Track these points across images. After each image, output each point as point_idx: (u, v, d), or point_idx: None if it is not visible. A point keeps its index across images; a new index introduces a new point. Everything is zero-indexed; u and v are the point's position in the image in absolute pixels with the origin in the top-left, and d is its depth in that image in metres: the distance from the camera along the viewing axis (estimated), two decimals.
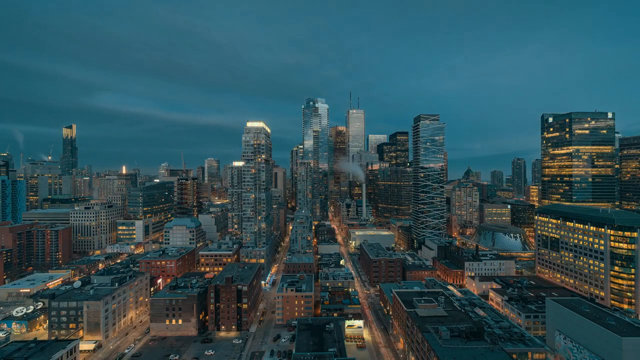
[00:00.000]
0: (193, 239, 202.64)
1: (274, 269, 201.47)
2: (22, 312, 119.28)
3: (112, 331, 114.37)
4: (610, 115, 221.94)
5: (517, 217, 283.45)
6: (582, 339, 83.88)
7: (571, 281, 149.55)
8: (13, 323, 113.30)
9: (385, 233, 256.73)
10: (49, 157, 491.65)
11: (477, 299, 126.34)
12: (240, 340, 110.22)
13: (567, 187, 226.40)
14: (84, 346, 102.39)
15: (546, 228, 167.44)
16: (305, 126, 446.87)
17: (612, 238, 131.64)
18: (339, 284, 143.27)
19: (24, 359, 78.15)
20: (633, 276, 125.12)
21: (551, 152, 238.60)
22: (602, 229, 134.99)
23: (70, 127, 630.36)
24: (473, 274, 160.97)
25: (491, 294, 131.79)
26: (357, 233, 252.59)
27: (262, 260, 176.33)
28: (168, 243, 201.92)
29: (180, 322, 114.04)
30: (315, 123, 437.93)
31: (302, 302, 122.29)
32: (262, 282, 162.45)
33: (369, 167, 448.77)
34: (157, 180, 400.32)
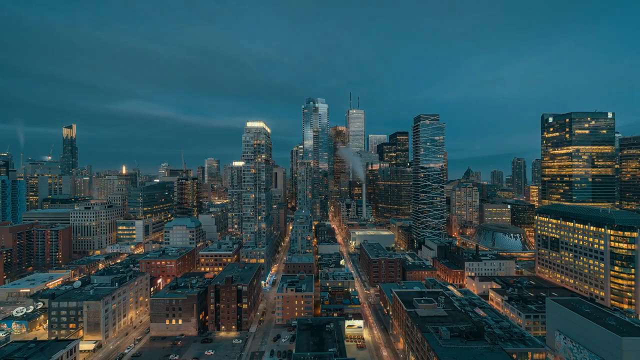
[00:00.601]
0: (193, 239, 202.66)
1: (274, 269, 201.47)
2: (22, 312, 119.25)
3: (112, 331, 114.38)
4: (610, 115, 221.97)
5: (517, 217, 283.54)
6: (582, 339, 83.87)
7: (571, 281, 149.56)
8: (13, 323, 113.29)
9: (385, 233, 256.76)
10: (49, 157, 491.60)
11: (477, 299, 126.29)
12: (240, 340, 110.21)
13: (567, 187, 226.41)
14: (84, 346, 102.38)
15: (546, 228, 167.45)
16: (305, 126, 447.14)
17: (612, 238, 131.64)
18: (339, 284, 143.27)
19: (24, 359, 78.16)
20: (633, 276, 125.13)
21: (551, 152, 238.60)
22: (602, 229, 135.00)
23: (70, 127, 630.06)
24: (473, 274, 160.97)
25: (491, 294, 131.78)
26: (357, 233, 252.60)
27: (262, 260, 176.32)
28: (168, 243, 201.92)
29: (180, 322, 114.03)
30: (315, 123, 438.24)
31: (302, 302, 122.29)
32: (262, 282, 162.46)
33: (369, 167, 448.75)
34: (157, 180, 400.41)
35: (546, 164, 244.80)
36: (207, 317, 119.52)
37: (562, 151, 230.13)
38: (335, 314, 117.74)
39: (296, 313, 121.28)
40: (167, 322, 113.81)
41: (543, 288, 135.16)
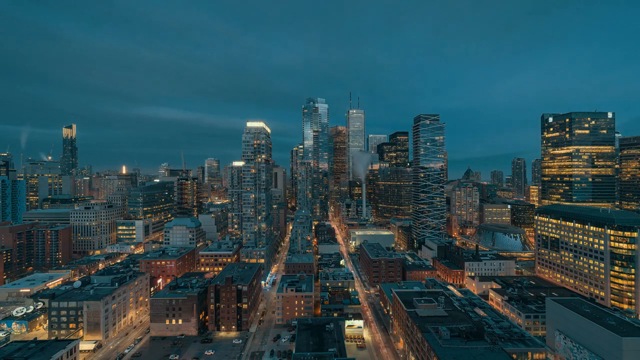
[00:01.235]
0: (193, 239, 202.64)
1: (274, 269, 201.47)
2: (22, 312, 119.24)
3: (112, 331, 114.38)
4: (610, 115, 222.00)
5: (517, 217, 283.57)
6: (582, 339, 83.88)
7: (571, 281, 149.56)
8: (13, 323, 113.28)
9: (385, 233, 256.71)
10: (49, 157, 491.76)
11: (477, 299, 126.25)
12: (240, 340, 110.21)
13: (567, 187, 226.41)
14: (84, 346, 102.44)
15: (546, 228, 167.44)
16: (305, 126, 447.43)
17: (612, 238, 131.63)
18: (339, 284, 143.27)
19: (24, 359, 78.15)
20: (633, 276, 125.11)
21: (551, 152, 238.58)
22: (602, 229, 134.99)
23: (70, 127, 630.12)
24: (473, 274, 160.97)
25: (491, 294, 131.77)
26: (357, 233, 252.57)
27: (262, 260, 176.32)
28: (168, 243, 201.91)
29: (180, 322, 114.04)
30: (315, 123, 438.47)
31: (302, 302, 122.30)
32: (262, 282, 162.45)
33: (369, 167, 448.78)
34: (157, 180, 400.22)
35: (546, 164, 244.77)
36: (207, 317, 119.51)
37: (562, 151, 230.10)
38: (335, 314, 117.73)
39: (296, 313, 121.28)
40: (167, 322, 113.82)
41: (543, 288, 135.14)
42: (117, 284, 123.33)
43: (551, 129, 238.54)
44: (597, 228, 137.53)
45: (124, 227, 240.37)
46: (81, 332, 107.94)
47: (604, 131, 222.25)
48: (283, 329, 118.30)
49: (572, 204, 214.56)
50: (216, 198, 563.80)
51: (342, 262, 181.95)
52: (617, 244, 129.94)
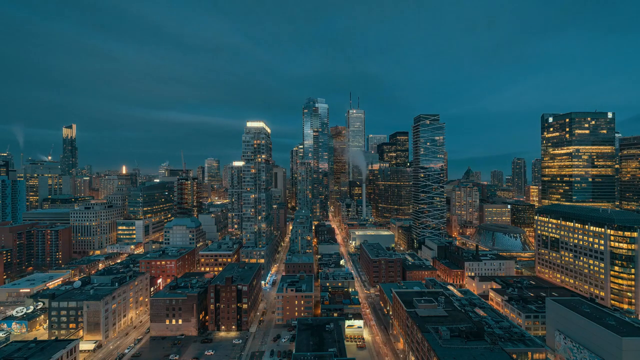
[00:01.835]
0: (193, 239, 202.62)
1: (274, 269, 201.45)
2: (22, 312, 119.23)
3: (112, 331, 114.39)
4: (610, 115, 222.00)
5: (517, 217, 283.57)
6: (582, 339, 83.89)
7: (571, 281, 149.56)
8: (13, 323, 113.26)
9: (385, 233, 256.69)
10: (49, 157, 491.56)
11: (477, 299, 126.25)
12: (240, 340, 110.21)
13: (567, 187, 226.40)
14: (84, 346, 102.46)
15: (546, 228, 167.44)
16: (305, 126, 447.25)
17: (612, 238, 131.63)
18: (339, 284, 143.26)
19: (24, 359, 78.15)
20: (633, 276, 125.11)
21: (551, 152, 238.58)
22: (602, 229, 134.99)
23: (70, 127, 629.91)
24: (473, 274, 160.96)
25: (491, 294, 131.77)
26: (357, 233, 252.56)
27: (262, 260, 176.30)
28: (168, 243, 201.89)
29: (180, 322, 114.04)
30: (315, 123, 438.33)
31: (302, 302, 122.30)
32: (262, 282, 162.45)
33: (369, 167, 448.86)
34: (157, 180, 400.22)
35: (546, 164, 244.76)
36: (207, 317, 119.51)
37: (562, 151, 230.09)
38: (335, 314, 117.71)
39: (296, 313, 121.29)
40: (167, 322, 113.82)
41: (543, 288, 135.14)
42: (117, 284, 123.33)
43: (551, 129, 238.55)
44: (597, 228, 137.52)
45: (124, 227, 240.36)
46: (81, 332, 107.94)
47: (604, 131, 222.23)
48: (283, 329, 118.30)
49: (572, 204, 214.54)
50: (216, 198, 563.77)
51: (342, 262, 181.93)
52: (617, 244, 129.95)
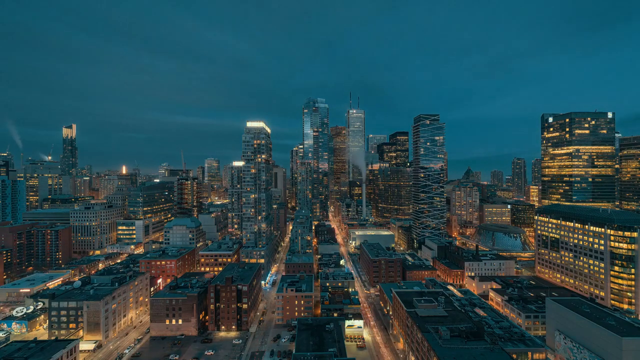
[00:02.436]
0: (193, 239, 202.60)
1: (274, 269, 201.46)
2: (22, 312, 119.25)
3: (112, 331, 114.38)
4: (610, 115, 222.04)
5: (517, 217, 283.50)
6: (582, 339, 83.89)
7: (571, 281, 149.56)
8: (13, 323, 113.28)
9: (385, 233, 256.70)
10: (49, 157, 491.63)
11: (477, 299, 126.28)
12: (240, 340, 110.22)
13: (567, 187, 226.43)
14: (84, 346, 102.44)
15: (546, 228, 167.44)
16: (305, 126, 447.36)
17: (612, 238, 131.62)
18: (339, 284, 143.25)
19: (24, 359, 78.15)
20: (633, 276, 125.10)
21: (551, 152, 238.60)
22: (602, 229, 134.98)
23: (70, 127, 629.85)
24: (473, 274, 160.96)
25: (491, 294, 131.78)
26: (357, 233, 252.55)
27: (262, 260, 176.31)
28: (168, 243, 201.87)
29: (180, 322, 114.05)
30: (315, 123, 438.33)
31: (302, 302, 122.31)
32: (262, 282, 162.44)
33: (369, 167, 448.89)
34: (157, 180, 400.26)
35: (546, 164, 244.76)
36: (207, 317, 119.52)
37: (562, 151, 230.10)
38: (335, 314, 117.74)
39: (296, 313, 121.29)
40: (167, 322, 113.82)
41: (543, 288, 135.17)
42: (117, 284, 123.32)
43: (551, 129, 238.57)
44: (597, 228, 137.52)
45: (124, 227, 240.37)
46: (81, 332, 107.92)
47: (604, 131, 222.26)
48: (283, 329, 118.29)
49: (572, 204, 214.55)
50: (216, 198, 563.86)
51: (342, 262, 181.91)
52: (617, 244, 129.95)
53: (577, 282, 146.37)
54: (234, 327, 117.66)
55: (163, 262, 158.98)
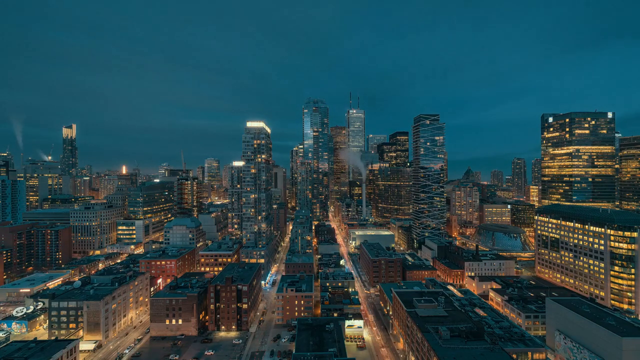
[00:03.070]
0: (193, 239, 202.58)
1: (274, 269, 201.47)
2: (22, 312, 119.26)
3: (112, 331, 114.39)
4: (610, 115, 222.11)
5: (517, 217, 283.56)
6: (582, 339, 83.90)
7: (571, 281, 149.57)
8: (13, 323, 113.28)
9: (385, 233, 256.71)
10: (49, 157, 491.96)
11: (477, 299, 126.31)
12: (240, 340, 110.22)
13: (567, 187, 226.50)
14: (84, 346, 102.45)
15: (546, 228, 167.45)
16: (305, 126, 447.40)
17: (612, 238, 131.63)
18: (339, 284, 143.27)
19: (24, 359, 78.15)
20: (633, 276, 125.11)
21: (551, 152, 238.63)
22: (602, 229, 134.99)
23: (70, 127, 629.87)
24: (473, 274, 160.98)
25: (491, 294, 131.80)
26: (357, 233, 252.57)
27: (262, 260, 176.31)
28: (168, 243, 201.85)
29: (180, 322, 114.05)
30: (315, 123, 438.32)
31: (302, 302, 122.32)
32: (262, 282, 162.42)
33: (369, 167, 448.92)
34: (157, 180, 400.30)
35: (546, 164, 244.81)
36: (207, 317, 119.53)
37: (562, 151, 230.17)
38: (335, 314, 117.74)
39: (296, 313, 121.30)
40: (167, 322, 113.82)
41: (543, 288, 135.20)
42: (117, 284, 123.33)
43: (551, 129, 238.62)
44: (597, 228, 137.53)
45: (124, 227, 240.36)
46: (81, 332, 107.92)
47: (604, 131, 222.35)
48: (283, 329, 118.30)
49: (572, 204, 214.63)
50: (216, 198, 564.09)
51: (342, 262, 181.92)
52: (617, 244, 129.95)
53: (577, 282, 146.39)
54: (234, 327, 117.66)
55: (163, 262, 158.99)
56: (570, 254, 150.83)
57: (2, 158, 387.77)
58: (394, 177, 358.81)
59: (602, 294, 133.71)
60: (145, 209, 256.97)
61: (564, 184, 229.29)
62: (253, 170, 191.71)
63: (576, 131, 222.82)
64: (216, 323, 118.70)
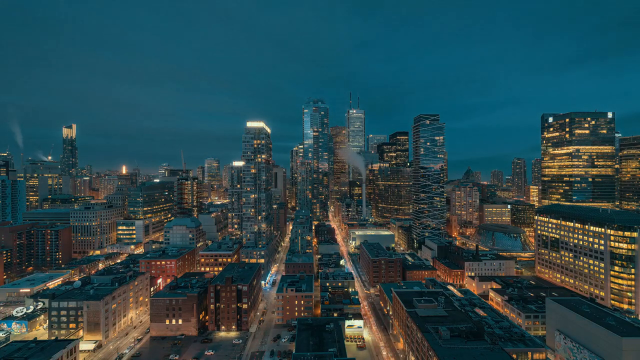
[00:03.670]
0: (193, 239, 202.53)
1: (274, 269, 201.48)
2: (22, 312, 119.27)
3: (112, 331, 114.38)
4: (610, 115, 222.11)
5: (517, 217, 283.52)
6: (582, 339, 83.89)
7: (571, 281, 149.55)
8: (13, 323, 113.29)
9: (385, 233, 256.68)
10: (49, 157, 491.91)
11: (477, 299, 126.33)
12: (240, 340, 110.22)
13: (567, 187, 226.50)
14: (84, 346, 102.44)
15: (546, 228, 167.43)
16: (305, 126, 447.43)
17: (612, 238, 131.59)
18: (339, 284, 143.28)
19: (24, 359, 78.15)
20: (633, 276, 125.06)
21: (551, 152, 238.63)
22: (602, 229, 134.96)
23: (70, 127, 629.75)
24: (473, 274, 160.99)
25: (491, 294, 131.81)
26: (357, 233, 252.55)
27: (262, 260, 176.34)
28: (168, 243, 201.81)
29: (180, 322, 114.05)
30: (315, 123, 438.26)
31: (302, 302, 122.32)
32: (262, 282, 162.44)
33: (369, 167, 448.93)
34: (157, 180, 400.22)
35: (546, 164, 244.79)
36: (207, 317, 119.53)
37: (562, 151, 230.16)
38: (335, 314, 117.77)
39: (296, 313, 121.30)
40: (167, 322, 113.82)
41: (543, 288, 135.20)
42: (117, 284, 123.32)
43: (551, 129, 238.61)
44: (597, 228, 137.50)
45: (124, 227, 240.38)
46: (81, 332, 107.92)
47: (604, 131, 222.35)
48: (283, 329, 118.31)
49: (572, 204, 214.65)
50: (216, 198, 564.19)
51: (342, 262, 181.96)
52: (617, 244, 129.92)
53: (577, 282, 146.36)
54: (234, 327, 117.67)
55: (163, 262, 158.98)
56: (570, 254, 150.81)
57: (2, 158, 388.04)
58: (394, 177, 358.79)
59: (602, 294, 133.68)
60: (145, 209, 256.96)
61: (564, 184, 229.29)
62: (253, 170, 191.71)
63: (576, 131, 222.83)
64: (216, 323, 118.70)
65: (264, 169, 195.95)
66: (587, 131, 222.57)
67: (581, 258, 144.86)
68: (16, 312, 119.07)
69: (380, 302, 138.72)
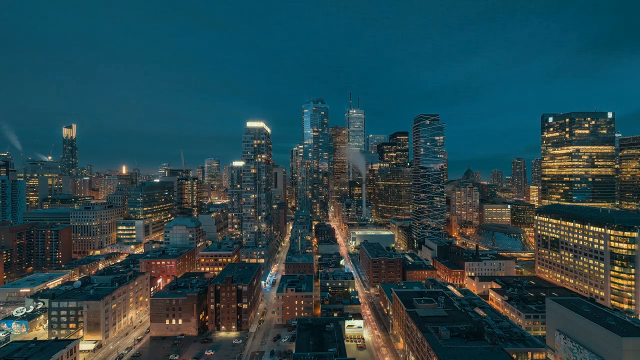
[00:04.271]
0: (193, 239, 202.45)
1: (274, 269, 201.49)
2: (22, 312, 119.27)
3: (112, 331, 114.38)
4: (610, 115, 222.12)
5: (517, 217, 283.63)
6: (582, 339, 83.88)
7: (571, 281, 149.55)
8: (13, 323, 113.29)
9: (385, 233, 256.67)
10: (49, 157, 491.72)
11: (477, 299, 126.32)
12: (240, 340, 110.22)
13: (567, 187, 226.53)
14: (84, 346, 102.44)
15: (546, 228, 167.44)
16: (305, 126, 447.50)
17: (612, 238, 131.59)
18: (339, 284, 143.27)
19: (24, 359, 78.14)
20: (633, 276, 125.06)
21: (551, 152, 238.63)
22: (602, 229, 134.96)
23: (70, 127, 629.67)
24: (473, 274, 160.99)
25: (491, 294, 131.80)
26: (357, 233, 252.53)
27: (262, 260, 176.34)
28: (168, 243, 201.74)
29: (180, 322, 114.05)
30: (315, 123, 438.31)
31: (302, 302, 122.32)
32: (262, 282, 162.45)
33: (369, 167, 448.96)
34: (157, 180, 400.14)
35: (546, 164, 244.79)
36: (207, 317, 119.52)
37: (562, 151, 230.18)
38: (335, 314, 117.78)
39: (296, 313, 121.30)
40: (167, 322, 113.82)
41: (543, 288, 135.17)
42: (117, 284, 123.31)
43: (551, 129, 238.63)
44: (597, 228, 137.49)
45: (124, 227, 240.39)
46: (81, 332, 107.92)
47: (604, 131, 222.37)
48: (283, 329, 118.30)
49: (572, 204, 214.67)
50: (216, 198, 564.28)
51: (342, 262, 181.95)
52: (617, 244, 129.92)
53: (577, 282, 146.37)
54: (234, 327, 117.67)
55: (163, 262, 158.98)
56: (570, 254, 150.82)
57: (2, 158, 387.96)
58: (394, 177, 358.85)
59: (602, 294, 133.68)
60: (145, 209, 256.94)
61: (564, 184, 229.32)
62: (253, 170, 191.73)
63: (576, 131, 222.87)
64: (216, 323, 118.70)
65: (264, 169, 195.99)
66: (587, 131, 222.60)
67: (581, 258, 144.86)
68: (16, 312, 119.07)
69: (380, 302, 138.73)
